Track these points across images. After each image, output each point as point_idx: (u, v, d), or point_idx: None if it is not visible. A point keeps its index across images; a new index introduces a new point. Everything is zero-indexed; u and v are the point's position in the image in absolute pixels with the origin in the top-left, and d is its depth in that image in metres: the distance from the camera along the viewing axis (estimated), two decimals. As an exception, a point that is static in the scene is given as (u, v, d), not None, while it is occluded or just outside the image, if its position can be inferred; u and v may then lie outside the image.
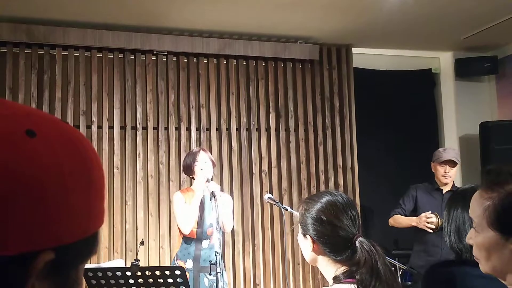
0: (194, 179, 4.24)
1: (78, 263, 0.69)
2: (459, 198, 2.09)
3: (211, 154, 4.46)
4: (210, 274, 3.99)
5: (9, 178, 0.59)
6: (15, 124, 0.63)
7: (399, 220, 4.79)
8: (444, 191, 4.82)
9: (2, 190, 0.58)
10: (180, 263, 4.08)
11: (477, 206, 1.51)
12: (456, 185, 4.98)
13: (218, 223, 3.82)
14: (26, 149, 0.61)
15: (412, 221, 4.68)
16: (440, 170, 4.79)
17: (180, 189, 4.95)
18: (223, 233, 4.44)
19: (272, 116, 5.82)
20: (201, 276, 4.06)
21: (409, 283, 5.26)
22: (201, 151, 4.24)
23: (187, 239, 4.13)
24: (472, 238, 1.54)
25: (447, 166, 4.76)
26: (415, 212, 4.80)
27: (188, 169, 4.23)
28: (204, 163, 4.16)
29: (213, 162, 4.26)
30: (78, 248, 0.67)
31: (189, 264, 4.07)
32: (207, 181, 4.02)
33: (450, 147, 5.08)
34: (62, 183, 0.63)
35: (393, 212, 4.84)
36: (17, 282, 0.61)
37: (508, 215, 1.44)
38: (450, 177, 4.80)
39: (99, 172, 0.70)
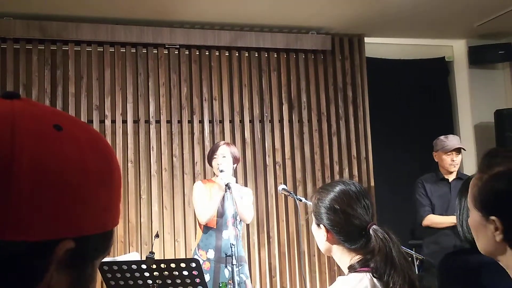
0: None
1: (94, 257, 0.71)
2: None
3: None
4: (232, 265, 4.00)
5: (38, 166, 0.61)
6: (43, 119, 0.66)
7: (437, 220, 4.64)
8: (450, 180, 4.77)
9: (31, 177, 0.61)
10: (202, 252, 4.09)
11: (470, 189, 1.54)
12: (464, 172, 4.92)
13: (236, 216, 3.80)
14: (55, 141, 0.64)
15: (452, 218, 4.39)
16: (446, 159, 4.73)
17: (194, 182, 4.96)
18: (242, 225, 4.41)
19: (285, 107, 5.81)
20: (221, 267, 4.06)
21: (422, 272, 5.22)
22: (223, 145, 4.23)
23: (206, 230, 4.13)
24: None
25: (454, 153, 4.72)
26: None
27: (209, 161, 4.28)
28: (222, 157, 4.15)
29: (234, 157, 4.23)
30: (96, 241, 0.69)
31: (210, 254, 4.08)
32: (221, 171, 4.02)
33: (451, 134, 4.99)
34: (86, 175, 0.66)
35: (425, 213, 4.69)
36: (38, 269, 0.63)
37: (487, 195, 1.47)
38: (457, 165, 4.77)
39: (118, 172, 0.73)
